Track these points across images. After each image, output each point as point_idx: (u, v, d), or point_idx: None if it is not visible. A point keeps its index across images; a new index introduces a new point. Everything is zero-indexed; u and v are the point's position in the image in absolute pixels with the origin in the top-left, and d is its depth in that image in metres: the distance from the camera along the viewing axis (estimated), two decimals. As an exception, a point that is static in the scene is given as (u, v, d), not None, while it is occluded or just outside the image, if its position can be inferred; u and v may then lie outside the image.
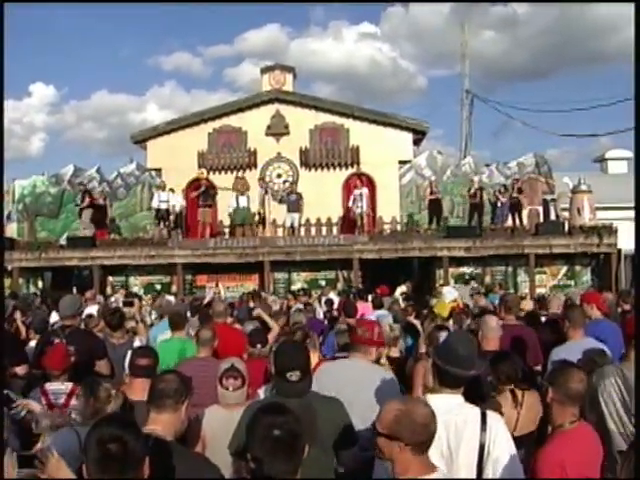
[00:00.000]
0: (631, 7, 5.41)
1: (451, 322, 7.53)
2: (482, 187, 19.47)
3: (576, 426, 3.17)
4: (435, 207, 19.32)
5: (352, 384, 4.06)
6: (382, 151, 20.79)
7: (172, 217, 19.27)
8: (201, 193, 18.94)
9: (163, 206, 18.95)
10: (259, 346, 5.52)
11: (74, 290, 17.00)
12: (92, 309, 9.88)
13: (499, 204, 19.30)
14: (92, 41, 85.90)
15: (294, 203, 19.07)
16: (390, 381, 4.24)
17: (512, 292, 15.03)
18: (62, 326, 6.34)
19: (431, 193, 19.31)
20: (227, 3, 72.06)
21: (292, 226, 18.97)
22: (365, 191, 19.05)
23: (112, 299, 13.65)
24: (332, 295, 13.98)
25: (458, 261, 18.15)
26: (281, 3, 70.95)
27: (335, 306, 11.01)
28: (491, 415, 2.96)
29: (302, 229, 19.65)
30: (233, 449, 3.56)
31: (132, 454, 2.24)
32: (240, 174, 20.82)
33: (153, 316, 11.11)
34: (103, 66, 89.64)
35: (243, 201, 18.81)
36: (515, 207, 19.06)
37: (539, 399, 4.06)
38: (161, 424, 2.88)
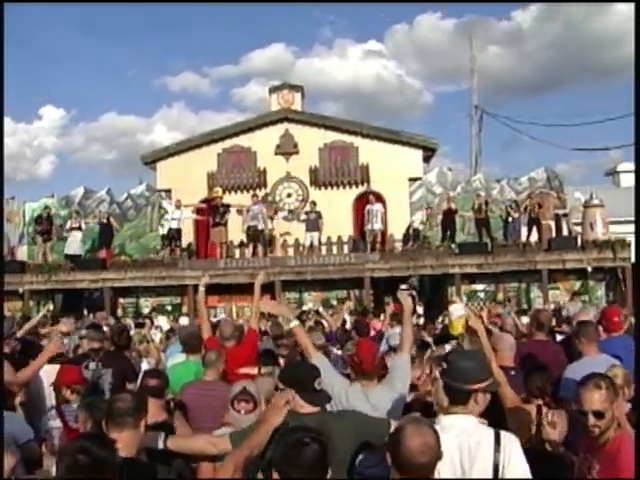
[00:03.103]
0: (631, 7, 5.36)
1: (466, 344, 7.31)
2: (486, 201, 19.15)
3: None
4: (449, 222, 19.16)
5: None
6: (392, 168, 20.72)
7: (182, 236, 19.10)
8: (212, 211, 18.81)
9: (174, 225, 18.78)
10: (269, 367, 5.45)
11: (85, 312, 17.01)
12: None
13: (510, 220, 19.12)
14: (99, 62, 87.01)
15: (313, 222, 19.00)
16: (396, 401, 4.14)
17: (525, 307, 14.85)
18: (93, 349, 6.37)
19: (449, 208, 19.09)
20: (230, 3, 72.36)
21: (312, 245, 18.91)
22: (379, 207, 18.98)
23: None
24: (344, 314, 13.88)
25: (470, 278, 18.02)
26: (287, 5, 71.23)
27: (347, 325, 10.92)
28: (505, 435, 2.86)
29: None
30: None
31: (100, 465, 2.24)
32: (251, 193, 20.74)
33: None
34: (111, 88, 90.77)
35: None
36: (534, 222, 18.76)
37: (566, 419, 3.99)
38: (122, 442, 2.82)
